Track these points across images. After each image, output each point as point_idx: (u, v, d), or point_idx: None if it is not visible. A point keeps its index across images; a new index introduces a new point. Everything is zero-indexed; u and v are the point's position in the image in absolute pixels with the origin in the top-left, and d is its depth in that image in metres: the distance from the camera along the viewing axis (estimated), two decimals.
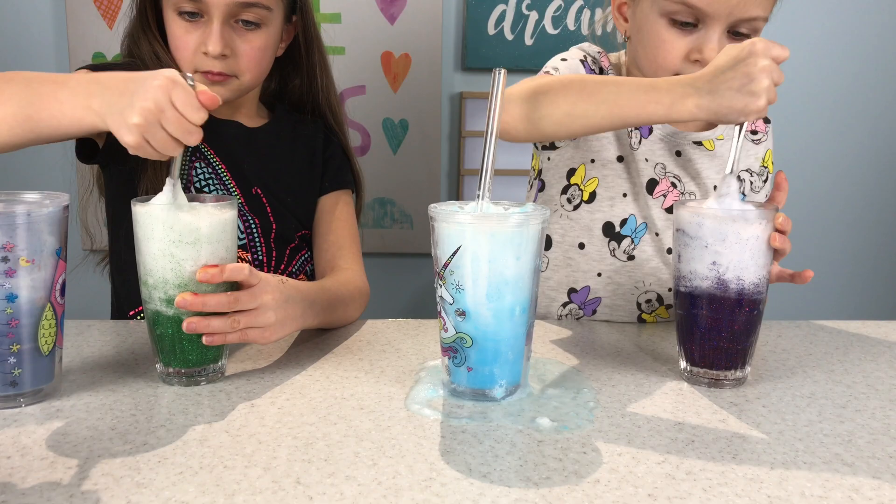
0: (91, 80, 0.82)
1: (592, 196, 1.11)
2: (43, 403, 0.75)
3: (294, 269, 1.19)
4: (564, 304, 1.15)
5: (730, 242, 0.80)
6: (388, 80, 2.01)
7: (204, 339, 0.79)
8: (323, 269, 1.17)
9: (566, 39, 1.99)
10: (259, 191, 1.14)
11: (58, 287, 0.76)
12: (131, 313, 1.11)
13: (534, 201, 1.19)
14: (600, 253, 1.11)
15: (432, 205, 0.79)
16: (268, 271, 1.09)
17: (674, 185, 1.09)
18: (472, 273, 0.75)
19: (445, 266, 0.76)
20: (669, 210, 1.10)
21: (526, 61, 2.00)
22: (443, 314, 0.78)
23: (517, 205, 0.82)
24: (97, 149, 1.07)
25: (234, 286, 0.81)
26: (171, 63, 1.09)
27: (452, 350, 0.78)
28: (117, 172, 1.11)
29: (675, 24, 0.97)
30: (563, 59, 1.08)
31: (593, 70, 1.09)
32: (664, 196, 1.09)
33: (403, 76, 2.01)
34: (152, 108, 0.75)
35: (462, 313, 0.76)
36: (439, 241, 0.77)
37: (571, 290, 1.14)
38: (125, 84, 0.79)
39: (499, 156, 2.07)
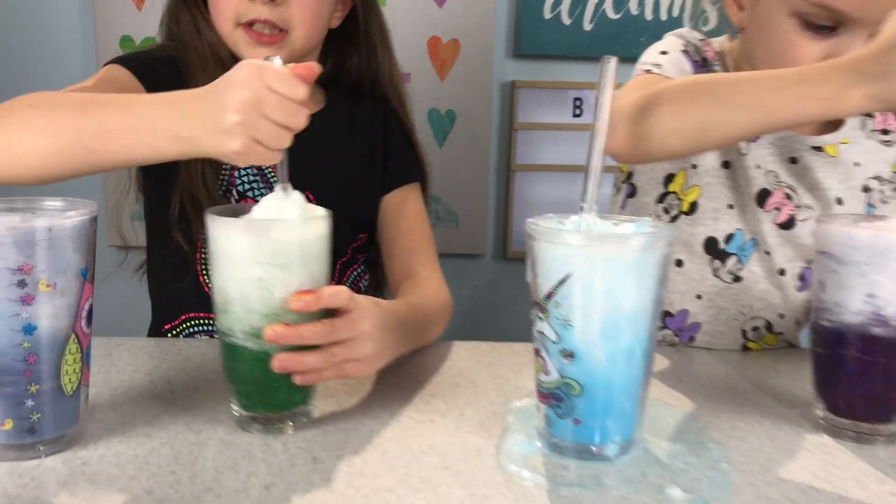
0: (162, 103, 0.69)
1: (693, 207, 0.97)
2: (66, 453, 0.63)
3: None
4: (658, 329, 1.01)
5: (893, 271, 0.65)
6: (435, 67, 1.87)
7: (296, 379, 0.66)
8: (397, 278, 1.03)
9: (628, 25, 1.84)
10: (311, 195, 1.01)
11: (84, 314, 0.63)
12: (166, 327, 0.99)
13: (621, 208, 1.05)
14: (701, 272, 0.97)
15: (530, 220, 0.66)
16: None
17: (788, 196, 0.95)
18: (584, 306, 0.61)
19: (549, 297, 0.63)
20: (784, 226, 0.95)
21: (584, 48, 1.85)
22: (543, 354, 0.65)
23: (629, 219, 0.69)
24: None
25: (326, 312, 0.68)
26: (214, 36, 0.96)
27: (555, 398, 0.65)
28: (153, 171, 0.98)
29: (809, 26, 0.82)
30: (663, 52, 0.94)
31: (696, 62, 0.95)
32: (777, 209, 0.95)
33: (451, 63, 1.87)
34: (249, 99, 0.63)
35: (570, 354, 0.63)
36: (541, 265, 0.63)
37: (666, 314, 1.00)
38: (203, 95, 0.68)
39: (567, 148, 1.94)
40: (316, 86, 1.08)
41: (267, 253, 0.63)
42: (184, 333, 0.98)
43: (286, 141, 0.66)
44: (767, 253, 0.96)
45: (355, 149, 1.06)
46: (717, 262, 0.97)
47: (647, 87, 0.79)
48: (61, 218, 0.60)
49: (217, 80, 0.67)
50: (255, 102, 0.63)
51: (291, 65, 0.66)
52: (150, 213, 1.02)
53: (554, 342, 0.63)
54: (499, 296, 1.95)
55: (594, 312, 0.61)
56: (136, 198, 1.05)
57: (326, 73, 1.11)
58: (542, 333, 0.64)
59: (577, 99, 1.88)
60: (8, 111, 0.73)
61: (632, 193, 1.04)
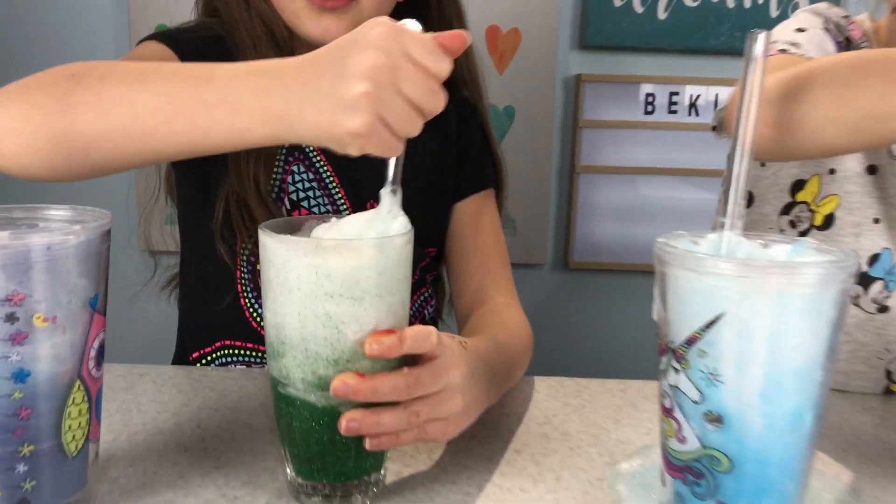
0: (249, 71, 0.53)
1: (829, 220, 0.81)
2: None
3: (409, 315, 0.91)
4: None
5: None
6: (493, 59, 1.72)
7: (368, 444, 0.51)
8: (467, 302, 0.88)
9: (707, 13, 1.67)
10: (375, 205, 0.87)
11: (92, 354, 0.50)
12: (196, 355, 0.85)
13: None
14: None
15: (660, 239, 0.51)
16: None
17: None
18: (740, 357, 0.46)
19: (690, 343, 0.48)
20: None
21: (658, 39, 1.68)
22: (678, 415, 0.50)
23: (782, 239, 0.53)
24: None
25: (404, 358, 0.53)
26: (265, 8, 0.82)
27: (693, 472, 0.50)
28: (192, 171, 0.85)
29: None
30: (800, 30, 0.78)
31: (840, 43, 0.79)
32: None
33: (511, 55, 1.72)
34: (384, 64, 0.48)
35: (717, 419, 0.48)
36: (678, 299, 0.49)
37: None
38: (312, 60, 0.51)
39: (637, 148, 1.76)
40: None
41: (338, 282, 0.49)
42: (217, 363, 0.84)
43: (418, 127, 0.51)
44: None
45: (427, 148, 0.91)
46: (858, 289, 0.80)
47: (790, 66, 0.64)
48: (63, 233, 0.46)
49: (335, 41, 0.51)
50: (391, 70, 0.48)
51: (433, 33, 0.51)
52: (187, 222, 0.88)
53: (695, 402, 0.48)
54: (559, 310, 1.80)
55: (753, 365, 0.46)
56: (167, 201, 0.92)
57: None
58: (676, 388, 0.49)
59: (648, 95, 1.72)
60: (46, 83, 0.57)
61: (749, 203, 0.88)
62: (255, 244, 0.80)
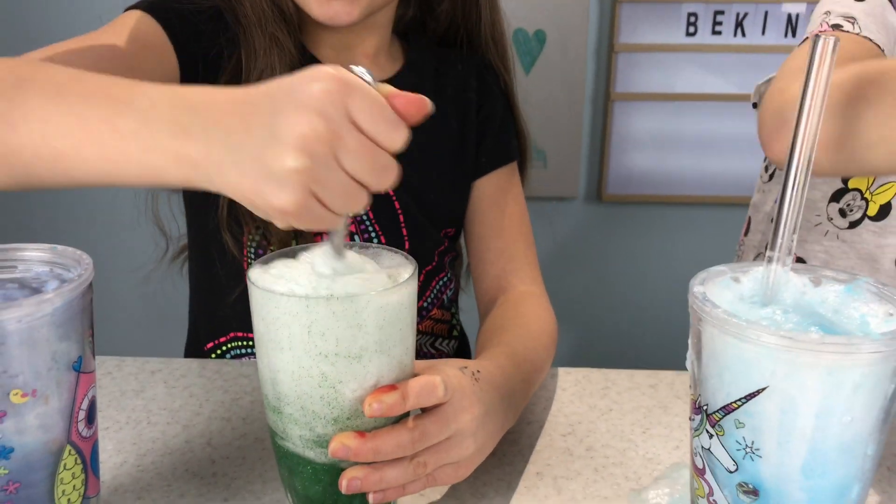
0: (173, 100, 0.45)
1: (885, 210, 0.73)
2: None
3: (427, 303, 0.87)
4: None
5: None
6: None
7: (372, 499, 0.48)
8: (487, 289, 0.83)
9: None
10: (390, 189, 0.81)
11: (81, 416, 0.47)
12: (209, 345, 0.83)
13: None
14: None
15: (696, 287, 0.46)
16: None
17: None
18: (782, 432, 0.42)
19: (727, 411, 0.43)
20: None
21: None
22: (709, 479, 0.46)
23: (834, 274, 0.47)
24: None
25: None
26: None
27: None
28: None
29: None
30: None
31: None
32: None
33: None
34: (322, 134, 0.40)
35: (753, 492, 0.43)
36: (714, 361, 0.44)
37: None
38: (246, 102, 0.43)
39: (677, 73, 1.64)
40: (393, 36, 0.86)
41: (333, 342, 0.45)
42: (229, 355, 0.82)
43: (362, 203, 0.43)
44: None
45: (445, 122, 0.84)
46: None
47: (857, 60, 0.56)
48: (37, 303, 0.42)
49: (273, 83, 0.43)
50: (331, 140, 0.40)
51: (390, 89, 0.43)
52: (193, 211, 0.84)
53: (730, 472, 0.44)
54: (592, 245, 1.74)
55: (797, 441, 0.42)
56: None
57: (408, 19, 0.89)
58: (708, 453, 0.45)
59: (691, 14, 1.59)
60: None
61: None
62: (263, 236, 0.76)
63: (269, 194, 0.41)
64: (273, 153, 0.40)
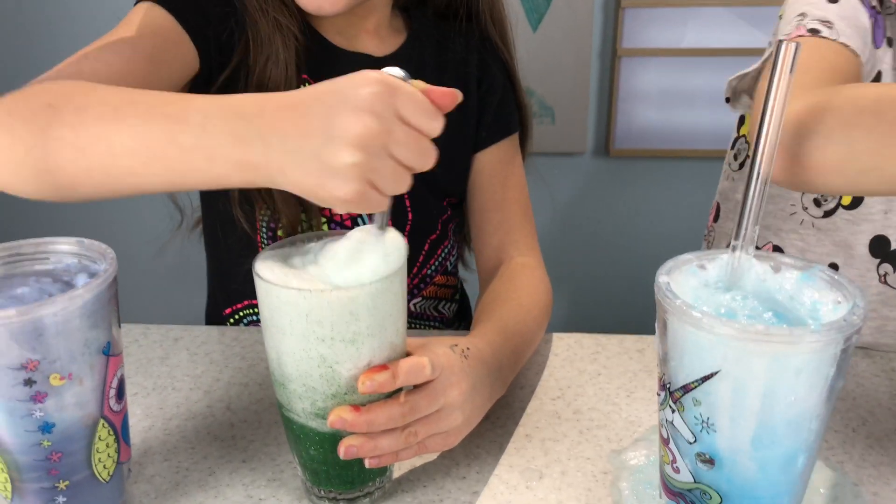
0: (226, 111, 0.50)
1: (858, 199, 0.76)
2: None
3: (430, 271, 0.92)
4: None
5: None
6: None
7: (368, 463, 0.54)
8: (487, 259, 0.87)
9: None
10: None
11: (111, 394, 0.53)
12: (227, 311, 0.89)
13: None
14: (863, 279, 0.79)
15: (662, 277, 0.50)
16: None
17: None
18: (734, 410, 0.47)
19: (686, 390, 0.48)
20: None
21: None
22: (672, 448, 0.51)
23: (798, 264, 0.51)
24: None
25: None
26: None
27: (685, 500, 0.51)
28: None
29: None
30: (832, 0, 0.69)
31: (873, 8, 0.71)
32: None
33: None
34: (376, 131, 0.46)
35: (709, 461, 0.49)
36: (676, 348, 0.48)
37: None
38: (295, 107, 0.48)
39: (685, 29, 1.64)
40: (394, 12, 0.89)
41: (329, 327, 0.50)
42: (246, 321, 0.88)
43: (407, 184, 0.49)
44: None
45: None
46: (887, 266, 0.77)
47: (818, 66, 0.58)
48: (69, 298, 0.48)
49: (319, 87, 0.49)
50: (384, 136, 0.46)
51: (423, 85, 0.49)
52: (206, 190, 0.89)
53: (689, 443, 0.49)
54: (599, 200, 1.77)
55: (747, 417, 0.47)
56: None
57: None
58: (671, 425, 0.50)
59: None
60: (25, 112, 0.55)
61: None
62: (275, 210, 0.80)
63: (333, 187, 0.47)
64: (333, 151, 0.46)
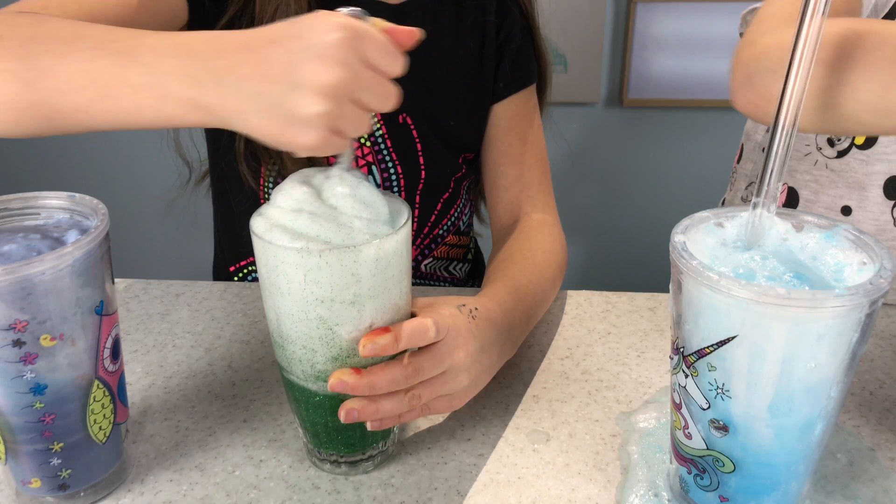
0: (180, 52, 0.47)
1: (872, 138, 0.73)
2: (108, 500, 0.54)
3: (442, 231, 0.89)
4: None
5: None
6: None
7: (370, 426, 0.53)
8: (501, 216, 0.84)
9: None
10: (408, 118, 0.81)
11: (106, 354, 0.51)
12: (232, 268, 0.87)
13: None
14: (877, 222, 0.76)
15: (677, 236, 0.47)
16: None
17: None
18: (750, 376, 0.45)
19: (701, 355, 0.46)
20: None
21: None
22: (685, 413, 0.49)
23: (822, 222, 0.49)
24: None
25: None
26: None
27: (697, 466, 0.50)
28: None
29: None
30: None
31: None
32: None
33: None
34: (345, 80, 0.44)
35: (723, 427, 0.47)
36: (691, 310, 0.46)
37: None
38: (258, 53, 0.46)
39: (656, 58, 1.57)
40: None
41: (328, 288, 0.48)
42: (251, 277, 0.86)
43: (368, 126, 0.48)
44: None
45: (463, 46, 0.83)
46: None
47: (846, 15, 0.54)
48: (58, 256, 0.46)
49: (276, 28, 0.46)
50: (351, 83, 0.45)
51: (383, 24, 0.47)
52: (212, 142, 0.86)
53: (703, 409, 0.47)
54: (613, 151, 1.73)
55: (764, 384, 0.45)
56: None
57: None
58: (684, 390, 0.48)
59: None
60: None
61: None
62: (283, 166, 0.78)
63: (296, 134, 0.45)
64: (297, 100, 0.44)
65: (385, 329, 0.50)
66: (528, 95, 0.86)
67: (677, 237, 0.47)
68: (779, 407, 0.45)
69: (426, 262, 0.90)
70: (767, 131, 0.89)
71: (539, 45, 0.88)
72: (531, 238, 0.77)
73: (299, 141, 0.45)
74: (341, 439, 0.55)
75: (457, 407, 0.57)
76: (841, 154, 0.76)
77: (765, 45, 0.56)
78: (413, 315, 0.54)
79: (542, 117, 0.89)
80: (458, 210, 0.90)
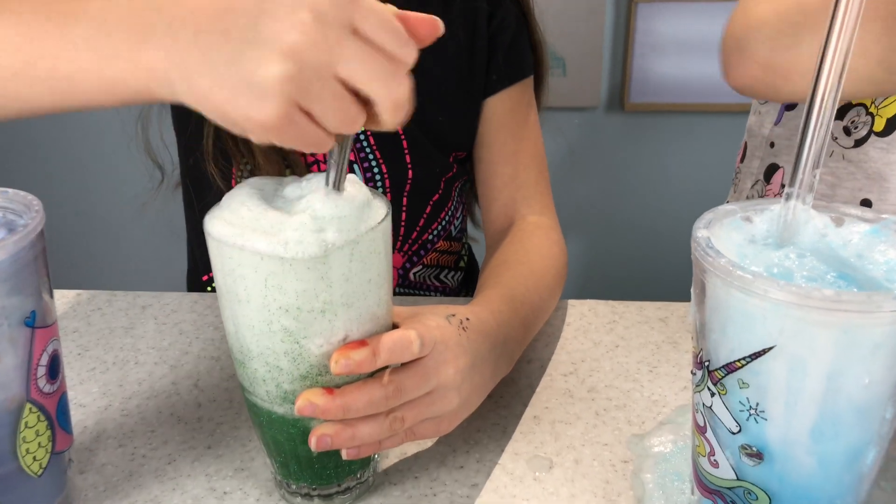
0: (133, 3, 0.40)
1: (893, 124, 0.67)
2: None
3: (432, 236, 0.82)
4: None
5: None
6: None
7: (345, 455, 0.46)
8: (495, 218, 0.78)
9: None
10: None
11: (40, 373, 0.45)
12: (205, 277, 0.80)
13: (775, 124, 0.76)
14: None
15: (700, 231, 0.41)
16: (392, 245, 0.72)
17: None
18: (790, 395, 0.38)
19: (730, 370, 0.39)
20: None
21: None
22: (710, 437, 0.42)
23: (865, 216, 0.42)
24: None
25: None
26: None
27: (724, 499, 0.43)
28: None
29: None
30: None
31: None
32: None
33: None
34: (318, 41, 0.35)
35: (757, 455, 0.40)
36: (716, 315, 0.39)
37: None
38: (220, 4, 0.36)
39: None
40: None
41: (293, 295, 0.41)
42: None
43: (356, 121, 0.38)
44: None
45: (453, 35, 0.77)
46: None
47: None
48: None
49: None
50: (328, 46, 0.35)
51: (398, 10, 0.38)
52: (182, 141, 0.79)
53: (732, 433, 0.41)
54: (613, 157, 1.67)
55: (806, 404, 0.38)
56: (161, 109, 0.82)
57: None
58: (710, 411, 0.42)
59: None
60: None
61: (791, 104, 0.74)
62: (255, 166, 0.71)
63: (247, 105, 0.36)
64: (254, 58, 0.35)
65: (361, 342, 0.43)
66: (523, 89, 0.80)
67: (700, 232, 0.41)
68: (823, 431, 0.38)
69: (415, 269, 0.83)
70: (775, 123, 0.82)
71: (535, 35, 0.81)
72: (527, 242, 0.70)
73: (251, 113, 0.36)
74: (313, 470, 0.48)
75: (445, 431, 0.50)
76: (858, 143, 0.70)
77: (759, 14, 0.50)
78: (395, 326, 0.47)
79: (539, 117, 0.83)
80: (450, 213, 0.83)
